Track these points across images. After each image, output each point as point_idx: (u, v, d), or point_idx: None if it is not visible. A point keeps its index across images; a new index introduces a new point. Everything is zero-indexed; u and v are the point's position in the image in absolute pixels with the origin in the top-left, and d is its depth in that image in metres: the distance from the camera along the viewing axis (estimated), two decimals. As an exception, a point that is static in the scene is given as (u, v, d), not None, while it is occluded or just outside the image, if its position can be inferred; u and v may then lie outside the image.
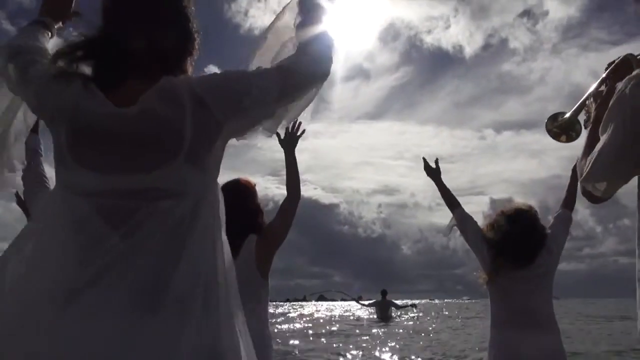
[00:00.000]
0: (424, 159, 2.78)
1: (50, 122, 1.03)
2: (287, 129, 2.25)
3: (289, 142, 2.23)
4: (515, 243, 2.38)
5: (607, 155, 1.17)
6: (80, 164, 0.97)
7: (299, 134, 2.26)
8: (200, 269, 0.95)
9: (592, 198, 1.32)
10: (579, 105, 1.64)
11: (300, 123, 2.25)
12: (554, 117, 1.81)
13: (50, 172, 2.12)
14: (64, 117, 0.98)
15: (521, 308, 2.38)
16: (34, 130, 2.38)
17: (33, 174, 2.03)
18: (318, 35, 1.18)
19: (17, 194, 2.97)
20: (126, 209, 0.93)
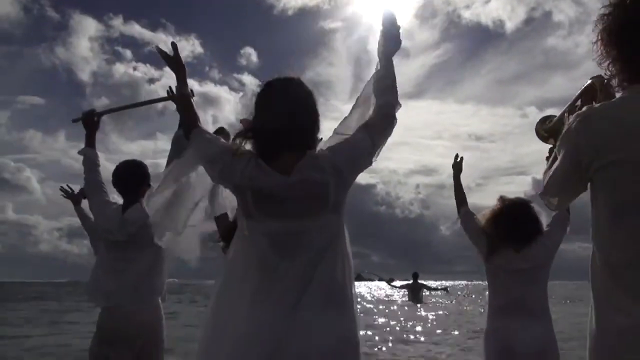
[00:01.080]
0: (456, 156, 3.03)
1: (235, 189, 1.51)
2: None
3: None
4: (509, 220, 2.55)
5: (557, 177, 1.36)
6: (263, 214, 1.46)
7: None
8: (347, 274, 1.49)
9: (550, 207, 1.54)
10: (560, 115, 1.76)
11: None
12: (544, 120, 1.91)
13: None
14: (246, 186, 1.46)
15: (516, 299, 2.50)
16: (92, 145, 2.67)
17: (93, 177, 2.75)
18: (387, 99, 1.63)
19: (81, 190, 3.28)
20: (292, 243, 1.45)
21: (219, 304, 1.50)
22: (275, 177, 1.45)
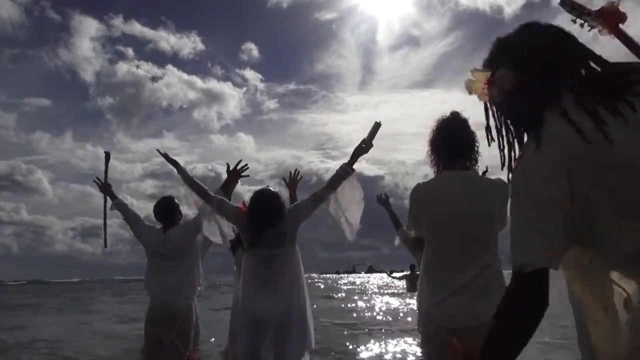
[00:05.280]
0: (378, 197, 3.52)
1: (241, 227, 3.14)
2: (289, 174, 3.54)
3: (291, 185, 3.48)
4: None
5: (408, 221, 2.27)
6: (252, 245, 3.00)
7: (298, 178, 3.50)
8: (298, 273, 3.04)
9: (412, 236, 2.45)
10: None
11: (298, 171, 3.53)
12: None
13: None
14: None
15: None
16: (114, 196, 3.97)
17: (130, 213, 3.86)
18: (325, 191, 3.07)
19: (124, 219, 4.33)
20: (269, 260, 2.97)
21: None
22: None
